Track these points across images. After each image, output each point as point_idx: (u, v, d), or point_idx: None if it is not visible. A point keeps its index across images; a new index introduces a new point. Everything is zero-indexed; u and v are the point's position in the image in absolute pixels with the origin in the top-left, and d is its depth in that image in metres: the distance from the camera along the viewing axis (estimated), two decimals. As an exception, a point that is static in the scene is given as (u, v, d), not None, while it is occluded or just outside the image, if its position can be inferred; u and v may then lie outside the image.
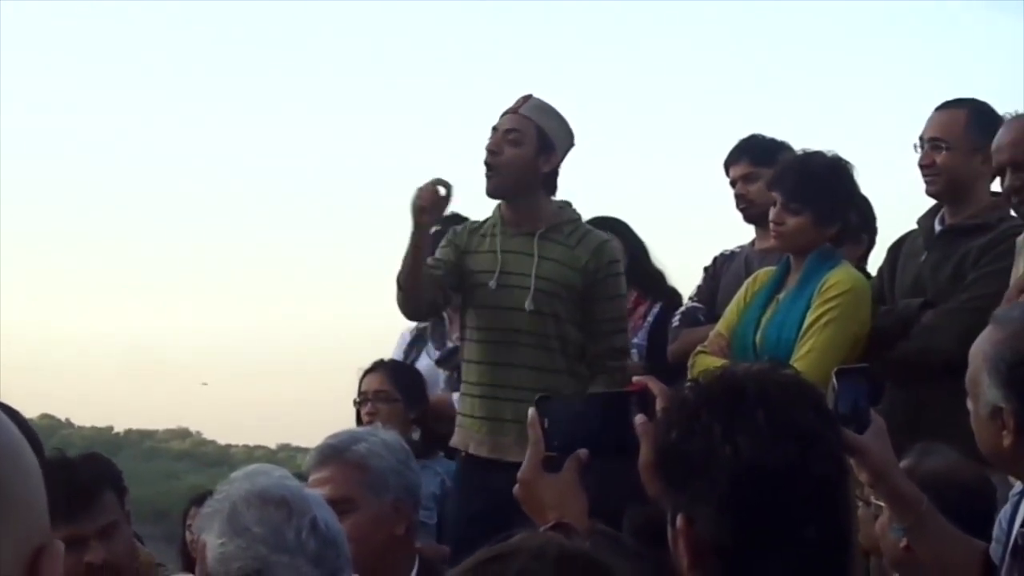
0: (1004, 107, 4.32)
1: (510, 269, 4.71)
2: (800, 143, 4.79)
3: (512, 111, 4.76)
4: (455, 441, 4.81)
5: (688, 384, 2.10)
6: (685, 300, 5.32)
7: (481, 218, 4.93)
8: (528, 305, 4.64)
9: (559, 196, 4.84)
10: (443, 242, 4.89)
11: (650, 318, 5.20)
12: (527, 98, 4.77)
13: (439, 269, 4.79)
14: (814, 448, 2.02)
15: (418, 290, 4.72)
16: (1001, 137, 4.11)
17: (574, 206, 4.86)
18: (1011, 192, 4.08)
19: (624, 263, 5.22)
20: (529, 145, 4.69)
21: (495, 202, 4.85)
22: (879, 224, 4.97)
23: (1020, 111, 4.21)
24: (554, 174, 4.77)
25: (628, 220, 5.56)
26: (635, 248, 5.43)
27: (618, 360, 4.72)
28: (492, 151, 4.68)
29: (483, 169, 4.73)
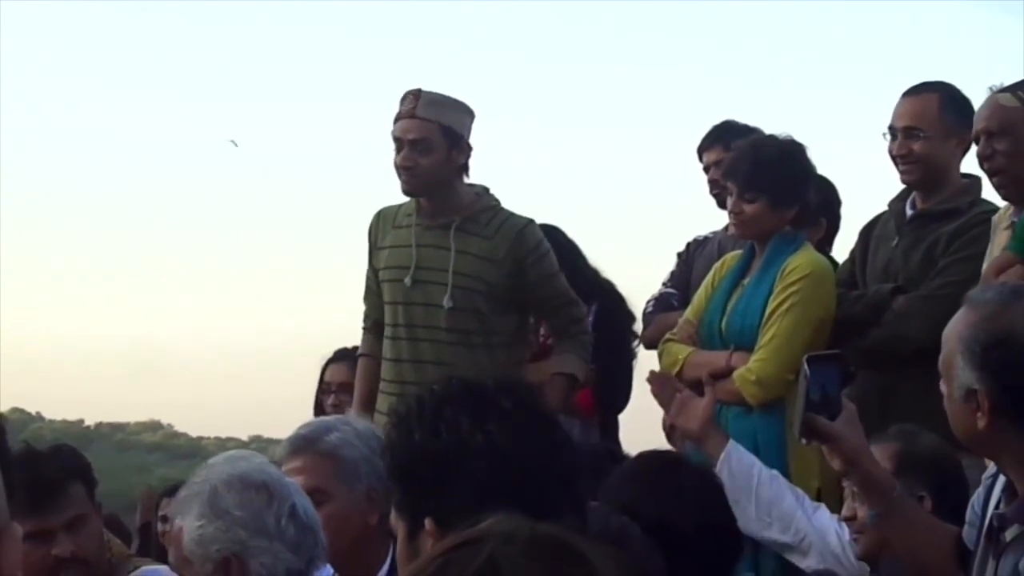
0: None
1: (426, 264, 4.61)
2: (774, 128, 4.72)
3: (407, 115, 4.60)
4: None
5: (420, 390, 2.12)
6: (658, 286, 5.29)
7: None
8: (446, 302, 4.55)
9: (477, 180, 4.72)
10: (368, 253, 4.80)
11: (591, 317, 5.13)
12: (417, 95, 4.60)
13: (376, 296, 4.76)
14: (559, 432, 2.07)
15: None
16: (980, 109, 4.11)
17: (491, 191, 4.74)
18: (980, 159, 4.08)
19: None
20: (439, 149, 4.57)
21: None
22: (850, 206, 4.94)
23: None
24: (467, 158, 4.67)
25: (574, 214, 5.49)
26: (567, 254, 5.19)
27: (580, 327, 4.79)
28: (406, 167, 4.57)
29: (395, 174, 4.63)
